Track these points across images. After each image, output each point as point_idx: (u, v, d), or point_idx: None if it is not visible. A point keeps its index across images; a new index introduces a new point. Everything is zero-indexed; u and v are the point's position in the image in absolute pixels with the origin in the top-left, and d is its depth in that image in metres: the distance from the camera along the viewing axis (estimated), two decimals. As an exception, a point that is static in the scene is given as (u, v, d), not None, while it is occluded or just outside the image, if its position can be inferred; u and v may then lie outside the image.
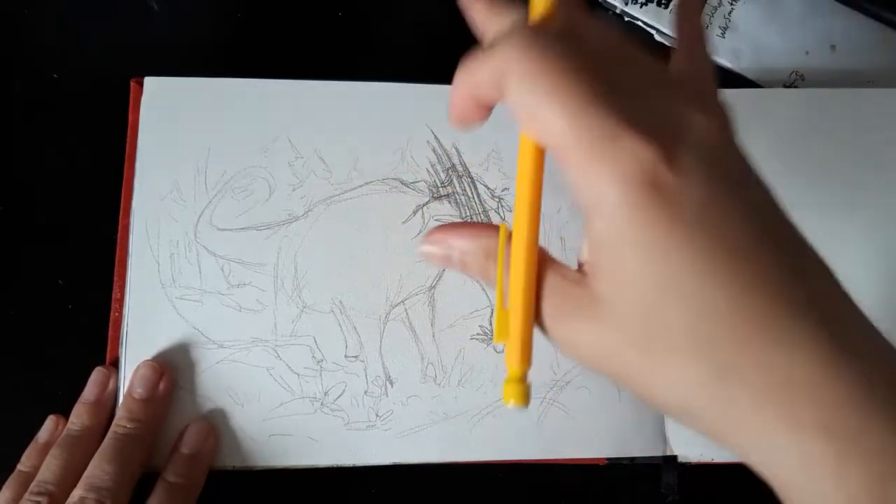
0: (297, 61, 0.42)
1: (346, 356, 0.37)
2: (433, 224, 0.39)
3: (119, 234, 0.38)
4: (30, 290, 0.39)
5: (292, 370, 0.36)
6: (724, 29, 0.43)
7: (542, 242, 0.39)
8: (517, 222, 0.22)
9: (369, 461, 0.36)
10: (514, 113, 0.21)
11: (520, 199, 0.22)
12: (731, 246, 0.20)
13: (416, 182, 0.39)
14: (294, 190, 0.38)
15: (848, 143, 0.41)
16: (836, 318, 0.21)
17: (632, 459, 0.37)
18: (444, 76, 0.40)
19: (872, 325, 0.21)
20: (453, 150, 0.40)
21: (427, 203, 0.39)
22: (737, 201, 0.20)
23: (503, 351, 0.37)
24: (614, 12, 0.44)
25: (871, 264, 0.40)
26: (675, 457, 0.37)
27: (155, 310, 0.37)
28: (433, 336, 0.37)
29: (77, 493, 0.32)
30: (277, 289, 0.37)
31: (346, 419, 0.36)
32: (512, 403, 0.23)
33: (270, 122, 0.39)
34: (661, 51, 0.43)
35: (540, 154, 0.22)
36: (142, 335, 0.36)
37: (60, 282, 0.39)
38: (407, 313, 0.38)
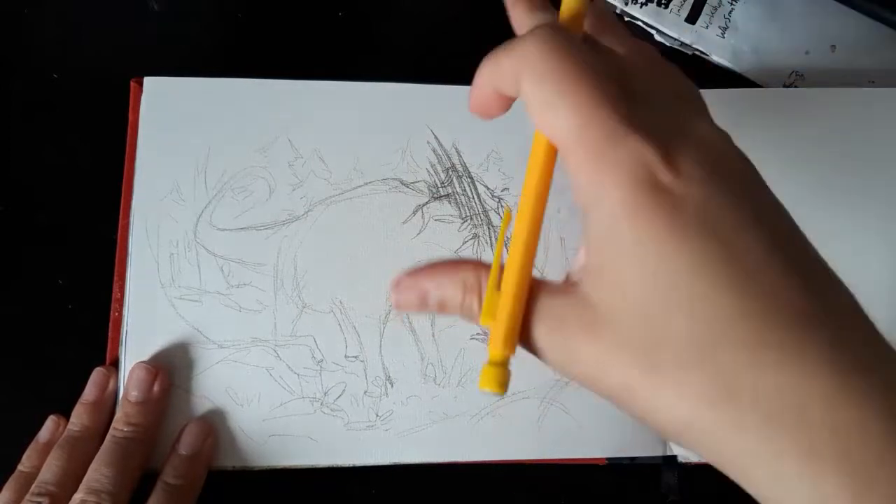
0: (297, 61, 0.42)
1: (345, 356, 0.37)
2: (433, 224, 0.39)
3: (119, 234, 0.38)
4: (30, 290, 0.39)
5: (292, 370, 0.36)
6: (724, 29, 0.43)
7: (542, 242, 0.39)
8: (522, 205, 0.22)
9: (369, 461, 0.36)
10: (527, 107, 0.21)
11: (527, 186, 0.22)
12: (734, 249, 0.19)
13: (416, 182, 0.39)
14: (294, 190, 0.38)
15: (848, 143, 0.41)
16: (851, 334, 0.20)
17: (632, 459, 0.37)
18: (444, 76, 0.40)
19: (884, 340, 0.20)
20: (453, 150, 0.40)
21: (427, 203, 0.39)
22: (740, 204, 0.20)
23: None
24: (614, 12, 0.44)
25: (871, 264, 0.40)
26: (675, 457, 0.37)
27: (155, 310, 0.37)
28: (433, 336, 0.37)
29: (77, 496, 0.32)
30: (277, 289, 0.37)
31: (345, 419, 0.36)
32: (488, 390, 0.22)
33: (270, 122, 0.39)
34: (662, 51, 0.43)
35: (552, 149, 0.22)
36: (142, 335, 0.36)
37: (60, 282, 0.39)
38: (407, 313, 0.38)
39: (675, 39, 0.43)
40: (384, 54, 0.43)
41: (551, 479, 0.38)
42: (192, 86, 0.39)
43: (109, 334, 0.37)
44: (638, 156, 0.19)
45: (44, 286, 0.39)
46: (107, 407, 0.36)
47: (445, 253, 0.38)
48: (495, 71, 0.22)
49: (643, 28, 0.43)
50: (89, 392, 0.36)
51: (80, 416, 0.35)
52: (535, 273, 0.39)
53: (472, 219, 0.39)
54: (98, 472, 0.33)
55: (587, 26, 0.24)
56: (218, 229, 0.38)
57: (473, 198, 0.39)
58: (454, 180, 0.39)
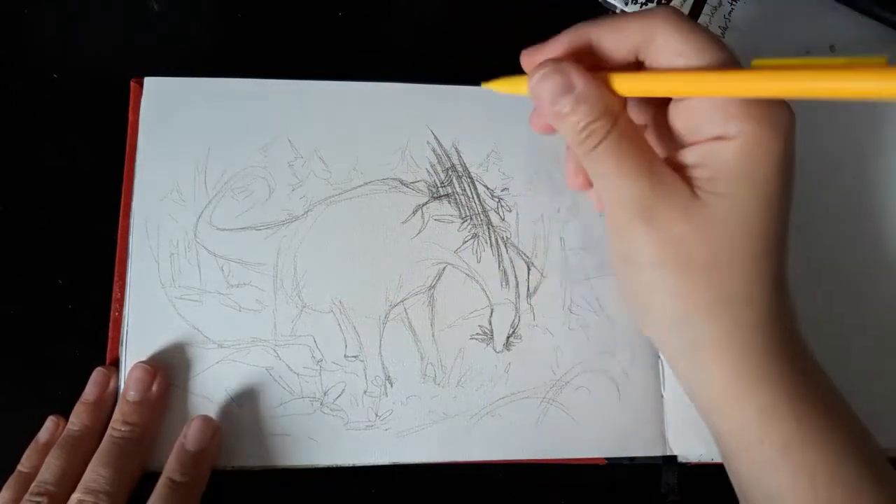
0: (297, 61, 0.42)
1: (345, 356, 0.37)
2: (433, 224, 0.39)
3: (119, 234, 0.38)
4: (30, 290, 0.39)
5: (292, 370, 0.36)
6: (724, 29, 0.43)
7: (542, 243, 0.39)
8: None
9: (369, 461, 0.36)
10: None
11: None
12: (789, 216, 0.29)
13: (415, 182, 0.39)
14: (294, 190, 0.38)
15: (848, 144, 0.41)
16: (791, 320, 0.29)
17: (632, 459, 0.37)
18: (444, 76, 0.40)
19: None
20: (453, 150, 0.40)
21: (427, 203, 0.39)
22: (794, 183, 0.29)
23: (503, 350, 0.37)
24: (614, 12, 0.44)
25: (871, 265, 0.40)
26: (675, 457, 0.37)
27: (155, 310, 0.37)
28: (433, 336, 0.37)
29: (75, 496, 0.32)
30: (277, 289, 0.37)
31: (345, 419, 0.36)
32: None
33: (270, 122, 0.39)
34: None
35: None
36: (142, 335, 0.36)
37: (60, 282, 0.39)
38: (406, 313, 0.38)
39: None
40: (384, 54, 0.43)
41: (551, 479, 0.38)
42: (192, 86, 0.39)
43: (109, 334, 0.37)
44: (789, 117, 0.28)
45: (44, 286, 0.39)
46: (107, 407, 0.36)
47: (445, 253, 0.38)
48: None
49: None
50: (89, 392, 0.36)
51: (79, 416, 0.35)
52: (535, 274, 0.39)
53: (471, 219, 0.39)
54: (95, 473, 0.33)
55: None
56: (218, 229, 0.38)
57: (473, 198, 0.39)
58: (454, 180, 0.39)
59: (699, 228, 0.27)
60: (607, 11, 0.44)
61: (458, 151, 0.40)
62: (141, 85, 0.39)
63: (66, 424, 0.35)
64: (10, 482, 0.34)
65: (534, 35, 0.43)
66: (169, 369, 0.36)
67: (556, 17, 0.44)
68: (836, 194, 0.40)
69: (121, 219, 0.38)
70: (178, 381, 0.36)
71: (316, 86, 0.40)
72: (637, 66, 0.30)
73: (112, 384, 0.36)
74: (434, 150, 0.39)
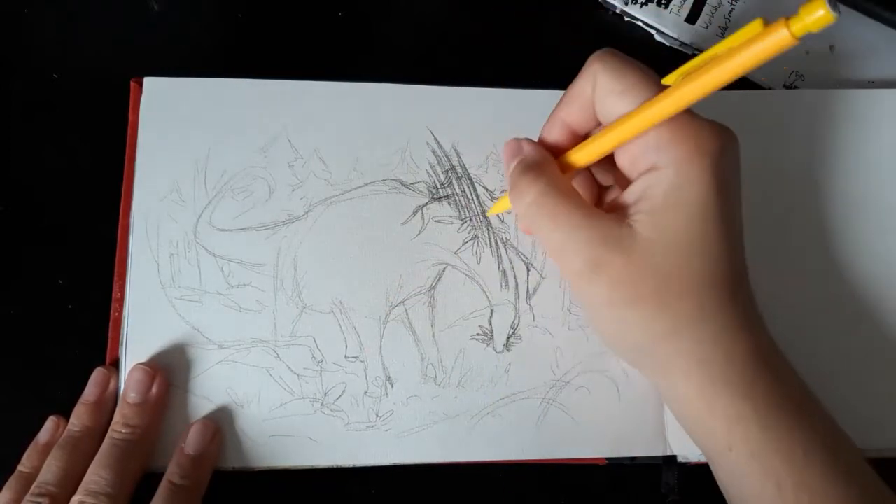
0: (297, 61, 0.42)
1: (346, 357, 0.37)
2: (433, 225, 0.39)
3: (119, 234, 0.38)
4: (30, 290, 0.39)
5: (292, 371, 0.36)
6: (724, 29, 0.43)
7: (537, 244, 0.39)
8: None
9: (369, 462, 0.36)
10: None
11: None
12: (735, 231, 0.30)
13: (415, 183, 0.39)
14: (294, 190, 0.38)
15: (848, 144, 0.41)
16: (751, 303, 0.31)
17: (632, 459, 0.37)
18: (444, 77, 0.40)
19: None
20: (453, 151, 0.40)
21: (426, 204, 0.39)
22: (737, 199, 0.30)
23: (503, 350, 0.37)
24: (614, 12, 0.44)
25: (871, 265, 0.40)
26: (675, 457, 0.37)
27: (155, 310, 0.37)
28: (433, 336, 0.37)
29: (76, 498, 0.32)
30: (277, 289, 0.37)
31: (346, 420, 0.36)
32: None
33: (270, 122, 0.39)
34: (661, 51, 0.43)
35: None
36: (142, 335, 0.36)
37: (60, 282, 0.39)
38: (407, 314, 0.38)
39: (675, 39, 0.43)
40: (384, 54, 0.43)
41: (551, 479, 0.38)
42: (192, 86, 0.39)
43: (109, 334, 0.37)
44: (715, 138, 0.28)
45: (44, 286, 0.39)
46: (107, 407, 0.36)
47: (445, 254, 0.38)
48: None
49: (643, 28, 0.43)
50: (89, 392, 0.36)
51: (80, 417, 0.35)
52: (535, 275, 0.39)
53: (471, 220, 0.39)
54: (96, 475, 0.33)
55: None
56: (218, 230, 0.38)
57: (473, 199, 0.39)
58: (454, 181, 0.39)
59: (641, 264, 0.28)
60: (607, 11, 0.44)
61: (457, 153, 0.40)
62: (141, 85, 0.39)
63: (66, 425, 0.36)
64: (11, 482, 0.34)
65: (534, 35, 0.43)
66: (169, 370, 0.36)
67: (557, 18, 0.44)
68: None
69: (121, 219, 0.38)
70: (179, 381, 0.36)
71: (316, 86, 0.40)
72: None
73: (112, 384, 0.36)
74: (434, 152, 0.39)
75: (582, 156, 0.31)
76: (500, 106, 0.40)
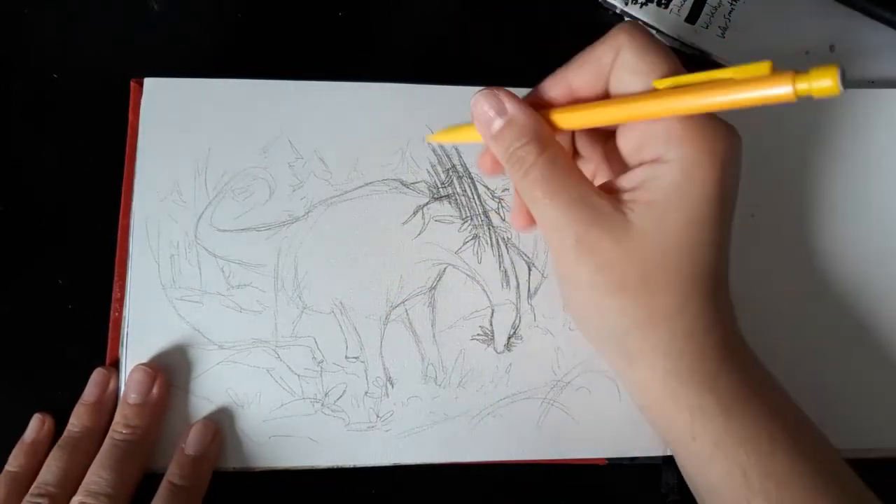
0: (297, 61, 0.42)
1: (346, 357, 0.37)
2: (433, 224, 0.39)
3: (119, 235, 0.38)
4: (30, 290, 0.39)
5: (293, 371, 0.36)
6: (724, 29, 0.43)
7: (542, 243, 0.39)
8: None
9: (370, 462, 0.36)
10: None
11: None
12: (727, 236, 0.30)
13: (416, 183, 0.39)
14: (294, 191, 0.38)
15: (848, 144, 0.41)
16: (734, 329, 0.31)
17: (632, 459, 0.37)
18: (444, 76, 0.40)
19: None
20: (453, 150, 0.40)
21: (427, 204, 0.39)
22: (734, 204, 0.30)
23: (504, 351, 0.37)
24: (614, 12, 0.44)
25: (869, 265, 0.40)
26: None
27: (155, 311, 0.37)
28: (433, 337, 0.37)
29: (76, 499, 0.32)
30: (278, 290, 0.37)
31: (346, 420, 0.36)
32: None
33: (270, 122, 0.39)
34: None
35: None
36: (142, 336, 0.36)
37: (60, 282, 0.39)
38: (407, 314, 0.38)
39: (675, 39, 0.43)
40: (384, 54, 0.43)
41: (551, 479, 0.38)
42: (192, 86, 0.39)
43: (109, 334, 0.37)
44: (729, 139, 0.28)
45: (44, 286, 0.39)
46: (107, 407, 0.36)
47: (446, 254, 0.38)
48: None
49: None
50: (89, 392, 0.35)
51: (80, 417, 0.35)
52: (536, 274, 0.39)
53: (472, 219, 0.39)
54: (96, 475, 0.33)
55: None
56: (218, 230, 0.38)
57: (474, 198, 0.39)
58: (454, 181, 0.39)
59: (631, 253, 0.28)
60: (607, 11, 0.44)
61: (458, 152, 0.40)
62: (141, 85, 0.39)
63: (51, 422, 0.36)
64: (0, 482, 0.34)
65: (533, 35, 0.43)
66: (169, 371, 0.36)
67: (557, 17, 0.44)
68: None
69: (121, 219, 0.38)
70: (179, 382, 0.36)
71: (316, 86, 0.40)
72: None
73: (112, 385, 0.36)
74: (434, 151, 0.39)
75: (579, 119, 0.30)
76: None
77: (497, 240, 0.39)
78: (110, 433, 0.34)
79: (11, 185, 0.40)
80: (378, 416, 0.36)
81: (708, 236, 0.28)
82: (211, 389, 0.36)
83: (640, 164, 0.29)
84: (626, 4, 0.43)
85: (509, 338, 0.38)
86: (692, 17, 0.43)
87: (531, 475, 0.38)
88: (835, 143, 0.41)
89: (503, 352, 0.38)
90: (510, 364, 0.37)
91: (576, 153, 0.35)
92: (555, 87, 0.31)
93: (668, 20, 0.43)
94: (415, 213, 0.39)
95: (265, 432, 0.36)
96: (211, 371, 0.36)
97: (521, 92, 0.31)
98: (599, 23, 0.44)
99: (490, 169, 0.33)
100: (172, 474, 0.34)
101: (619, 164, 0.31)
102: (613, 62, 0.29)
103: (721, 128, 0.28)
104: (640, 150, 0.29)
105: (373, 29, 0.43)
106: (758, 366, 0.31)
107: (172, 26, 0.42)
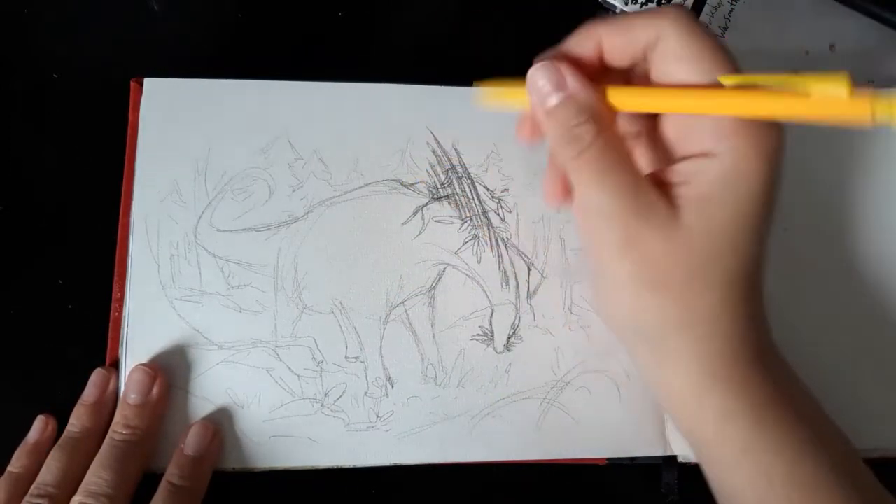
0: (297, 61, 0.42)
1: (346, 357, 0.37)
2: (433, 225, 0.39)
3: (119, 235, 0.38)
4: (30, 290, 0.39)
5: (292, 371, 0.36)
6: (724, 29, 0.43)
7: (542, 243, 0.39)
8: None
9: (370, 462, 0.36)
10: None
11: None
12: (767, 233, 0.29)
13: (415, 183, 0.39)
14: (294, 191, 0.38)
15: (847, 144, 0.41)
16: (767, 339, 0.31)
17: (632, 459, 0.37)
18: (444, 76, 0.40)
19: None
20: (453, 151, 0.40)
21: (427, 204, 0.39)
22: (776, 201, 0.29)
23: (503, 351, 0.37)
24: (614, 12, 0.44)
25: (874, 265, 0.40)
26: (675, 457, 0.37)
27: (155, 311, 0.37)
28: (433, 337, 0.37)
29: (76, 499, 0.32)
30: (277, 290, 0.37)
31: (346, 420, 0.36)
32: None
33: (270, 122, 0.39)
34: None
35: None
36: (142, 336, 0.36)
37: (60, 282, 0.39)
38: (407, 314, 0.38)
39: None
40: (384, 54, 0.43)
41: (551, 479, 0.38)
42: (192, 86, 0.39)
43: (109, 334, 0.37)
44: (779, 137, 0.28)
45: (44, 286, 0.39)
46: (107, 408, 0.36)
47: (445, 254, 0.38)
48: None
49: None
50: (89, 393, 0.35)
51: (80, 418, 0.35)
52: (536, 274, 0.39)
53: (471, 219, 0.39)
54: (96, 475, 0.33)
55: None
56: (218, 230, 0.38)
57: (473, 199, 0.39)
58: (454, 181, 0.39)
59: (676, 249, 0.28)
60: (607, 11, 0.44)
61: (458, 152, 0.40)
62: (141, 85, 0.39)
63: (54, 424, 0.36)
64: (2, 483, 0.34)
65: (533, 35, 0.43)
66: (169, 371, 0.36)
67: (557, 17, 0.44)
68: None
69: (121, 219, 0.38)
70: (179, 382, 0.36)
71: (316, 86, 0.40)
72: (644, 65, 0.30)
73: (112, 385, 0.36)
74: (434, 151, 0.39)
75: (639, 102, 0.29)
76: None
77: (496, 240, 0.39)
78: (110, 433, 0.34)
79: (11, 185, 0.40)
80: (378, 416, 0.36)
81: (752, 232, 0.28)
82: (210, 390, 0.36)
83: (689, 157, 0.28)
84: (627, 4, 0.43)
85: (509, 338, 0.38)
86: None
87: (531, 475, 0.38)
88: (833, 144, 0.41)
89: (503, 352, 0.38)
90: (510, 364, 0.37)
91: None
92: (586, 43, 0.30)
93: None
94: (414, 213, 0.39)
95: (265, 432, 0.36)
96: (211, 371, 0.36)
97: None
98: (599, 23, 0.44)
99: (528, 137, 0.32)
100: (172, 474, 0.34)
101: (660, 148, 0.30)
102: (656, 43, 0.28)
103: (770, 125, 0.27)
104: (685, 139, 0.29)
105: (373, 29, 0.43)
106: (788, 371, 0.31)
107: (172, 26, 0.42)
